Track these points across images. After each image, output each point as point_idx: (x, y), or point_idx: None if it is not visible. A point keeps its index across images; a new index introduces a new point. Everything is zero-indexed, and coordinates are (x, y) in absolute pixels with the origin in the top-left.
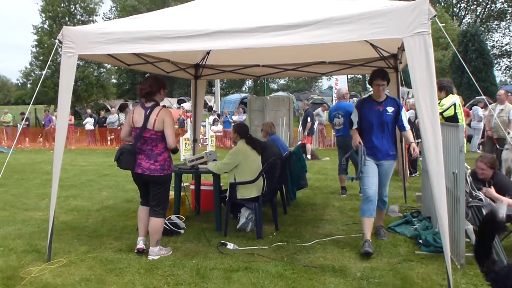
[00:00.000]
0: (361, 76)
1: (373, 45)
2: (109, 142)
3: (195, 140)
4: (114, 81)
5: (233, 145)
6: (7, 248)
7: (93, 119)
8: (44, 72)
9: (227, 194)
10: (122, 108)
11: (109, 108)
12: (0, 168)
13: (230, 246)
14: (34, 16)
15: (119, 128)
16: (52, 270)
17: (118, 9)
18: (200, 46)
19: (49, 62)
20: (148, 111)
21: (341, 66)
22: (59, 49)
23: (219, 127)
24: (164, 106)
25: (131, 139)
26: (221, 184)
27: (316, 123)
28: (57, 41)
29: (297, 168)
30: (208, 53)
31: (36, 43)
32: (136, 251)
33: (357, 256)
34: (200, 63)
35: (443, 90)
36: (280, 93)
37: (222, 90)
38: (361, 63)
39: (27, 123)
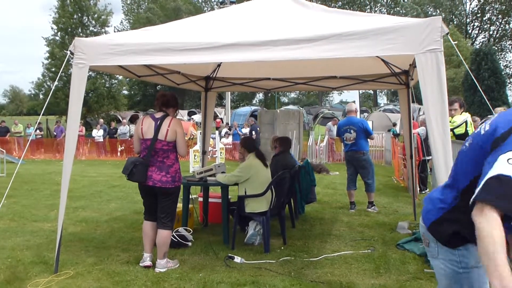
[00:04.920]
0: (372, 92)
1: (385, 61)
2: (119, 154)
3: (204, 152)
4: (125, 92)
5: (239, 159)
6: (15, 259)
7: (102, 130)
8: (55, 83)
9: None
10: (133, 119)
11: (120, 119)
12: (14, 179)
13: (238, 259)
14: (47, 28)
15: (130, 139)
16: (59, 282)
17: (130, 21)
18: (211, 58)
19: (60, 73)
20: (159, 122)
21: (352, 81)
22: (71, 60)
23: (229, 139)
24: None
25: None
26: (229, 196)
27: (326, 137)
28: (68, 52)
29: (306, 182)
30: (219, 65)
31: (48, 54)
32: (143, 267)
33: (365, 272)
34: (211, 76)
35: (463, 107)
36: (291, 106)
37: (233, 102)
38: (372, 78)
39: (41, 133)
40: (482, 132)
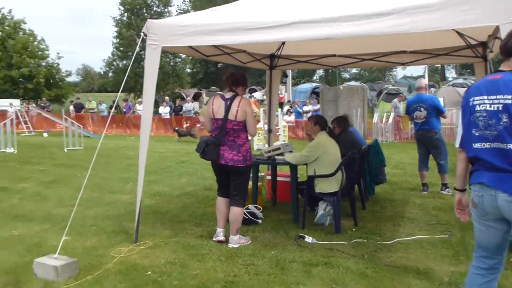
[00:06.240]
0: (439, 65)
1: (460, 33)
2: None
3: (270, 131)
4: (189, 70)
5: (305, 136)
6: (98, 227)
7: (168, 107)
8: (131, 62)
9: (305, 187)
10: (196, 97)
11: (184, 96)
12: (90, 152)
13: (309, 239)
14: (115, 9)
15: (194, 116)
16: (140, 251)
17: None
18: (279, 36)
19: (135, 55)
20: (229, 102)
21: (422, 55)
22: (137, 40)
23: (292, 117)
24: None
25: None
26: (297, 175)
27: (392, 115)
28: (142, 33)
29: (375, 162)
30: (283, 43)
31: (116, 34)
32: (216, 241)
33: (443, 258)
34: (276, 53)
35: None
36: (353, 82)
37: (293, 79)
38: (445, 52)
39: (116, 110)
40: None
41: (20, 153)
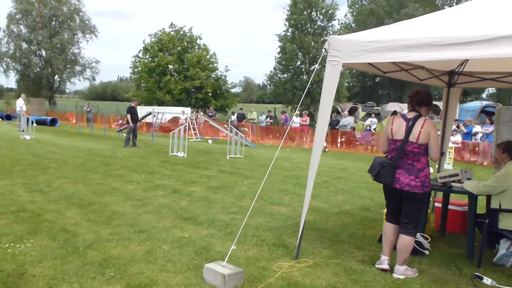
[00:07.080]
0: None
1: None
2: (339, 144)
3: (442, 153)
4: (345, 84)
5: (490, 162)
6: (259, 238)
7: None
8: (312, 76)
9: (487, 221)
10: (352, 111)
11: (340, 110)
12: (249, 161)
13: (487, 281)
14: (276, 25)
15: (349, 131)
16: (300, 269)
17: (354, 14)
18: (485, 53)
19: (315, 71)
20: (411, 122)
21: None
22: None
23: (458, 138)
24: (429, 117)
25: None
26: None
27: None
28: (323, 50)
29: None
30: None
31: (280, 49)
32: (379, 269)
33: None
34: (456, 70)
35: None
36: None
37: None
38: None
39: (271, 121)
40: None
41: (189, 157)
